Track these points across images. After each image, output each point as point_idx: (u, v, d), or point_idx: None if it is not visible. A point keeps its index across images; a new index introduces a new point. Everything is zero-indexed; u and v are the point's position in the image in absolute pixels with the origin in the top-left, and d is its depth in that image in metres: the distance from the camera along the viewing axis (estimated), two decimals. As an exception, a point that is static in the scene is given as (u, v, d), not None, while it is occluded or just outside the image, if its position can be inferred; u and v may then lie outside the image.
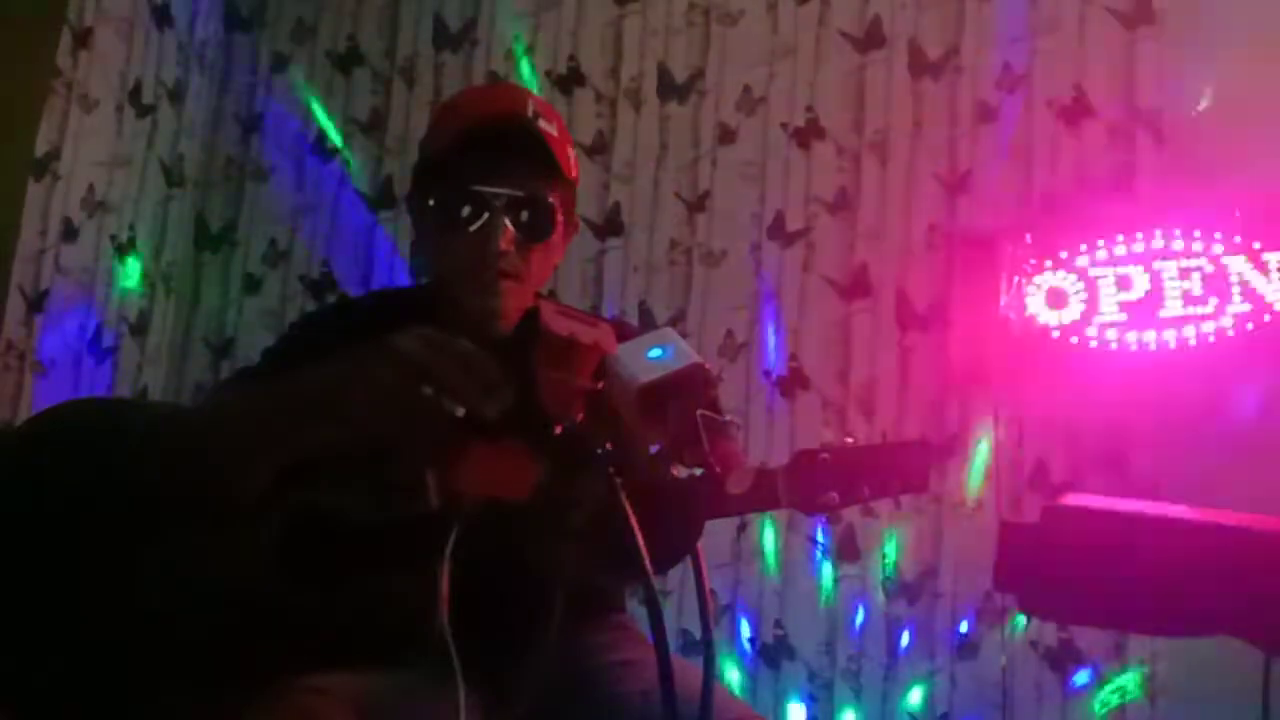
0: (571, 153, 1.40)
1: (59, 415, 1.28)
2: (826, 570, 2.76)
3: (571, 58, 3.20)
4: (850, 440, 1.39)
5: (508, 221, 1.30)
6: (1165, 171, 2.64)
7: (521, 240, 1.32)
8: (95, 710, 1.15)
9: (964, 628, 2.63)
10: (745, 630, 2.79)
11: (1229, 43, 2.66)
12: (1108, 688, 2.50)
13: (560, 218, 1.36)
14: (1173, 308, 2.56)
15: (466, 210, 1.31)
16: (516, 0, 3.29)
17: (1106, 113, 2.74)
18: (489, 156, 1.31)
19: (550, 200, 1.34)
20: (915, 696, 2.64)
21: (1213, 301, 2.53)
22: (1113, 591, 0.80)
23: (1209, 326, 2.53)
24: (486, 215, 1.30)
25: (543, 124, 1.34)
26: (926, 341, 2.79)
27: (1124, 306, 2.60)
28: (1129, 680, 2.49)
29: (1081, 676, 2.54)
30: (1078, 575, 0.81)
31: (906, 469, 1.22)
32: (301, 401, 1.09)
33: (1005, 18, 2.85)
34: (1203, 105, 2.65)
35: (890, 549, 2.71)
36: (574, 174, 1.39)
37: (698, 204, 3.03)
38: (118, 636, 1.14)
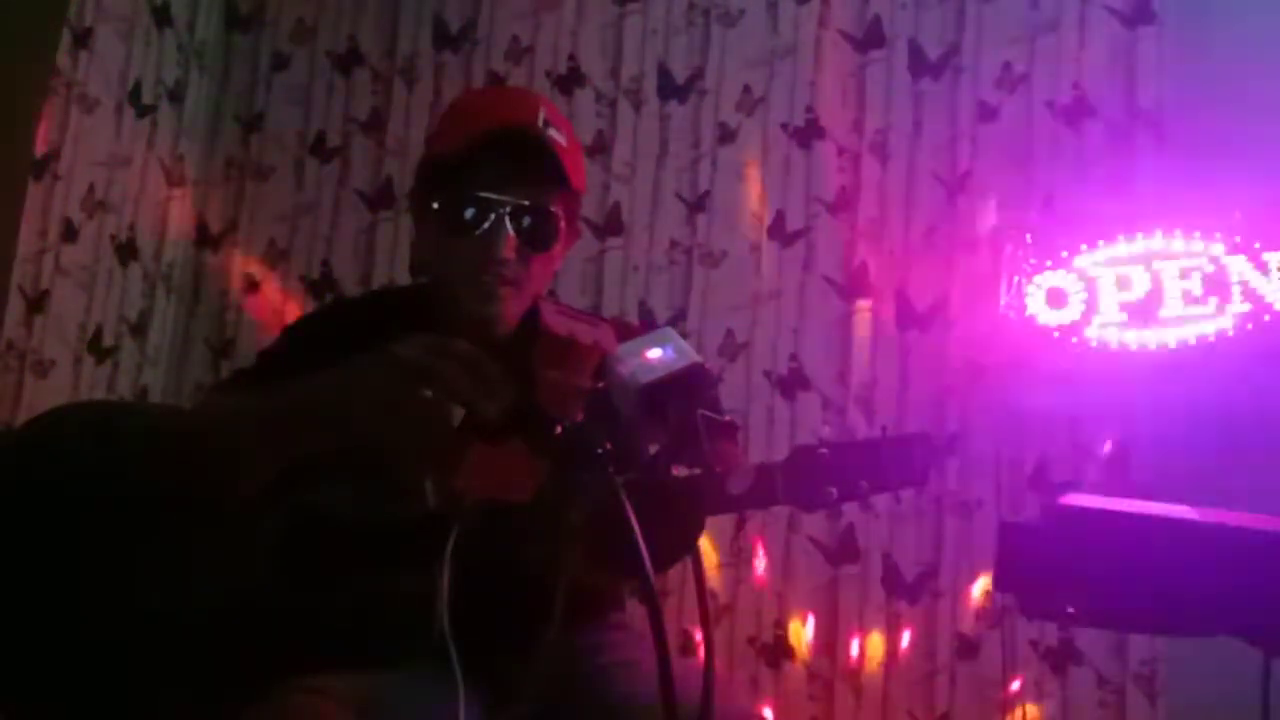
0: (580, 161, 1.40)
1: (59, 417, 1.29)
2: (826, 570, 2.75)
3: (571, 58, 3.20)
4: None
5: (511, 229, 1.31)
6: (1165, 171, 2.64)
7: (524, 248, 1.33)
8: (95, 710, 1.15)
9: (964, 628, 2.63)
10: (745, 630, 2.78)
11: (1229, 43, 2.66)
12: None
13: (563, 228, 1.36)
14: (1173, 308, 2.55)
15: (471, 214, 1.31)
16: (516, 0, 3.29)
17: (1106, 113, 2.74)
18: (497, 163, 1.31)
19: (554, 210, 1.34)
20: (915, 696, 2.64)
21: (1213, 301, 2.52)
22: (1113, 591, 0.80)
23: (1209, 326, 2.52)
24: (490, 221, 1.31)
25: (553, 133, 1.34)
26: (926, 341, 2.79)
27: (1124, 306, 2.59)
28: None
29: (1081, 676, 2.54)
30: (1078, 575, 0.81)
31: (905, 464, 1.22)
32: (303, 412, 1.10)
33: (1005, 18, 2.85)
34: (1203, 105, 2.65)
35: None
36: (581, 184, 1.39)
37: (698, 204, 3.03)
38: (118, 637, 1.14)
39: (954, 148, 2.84)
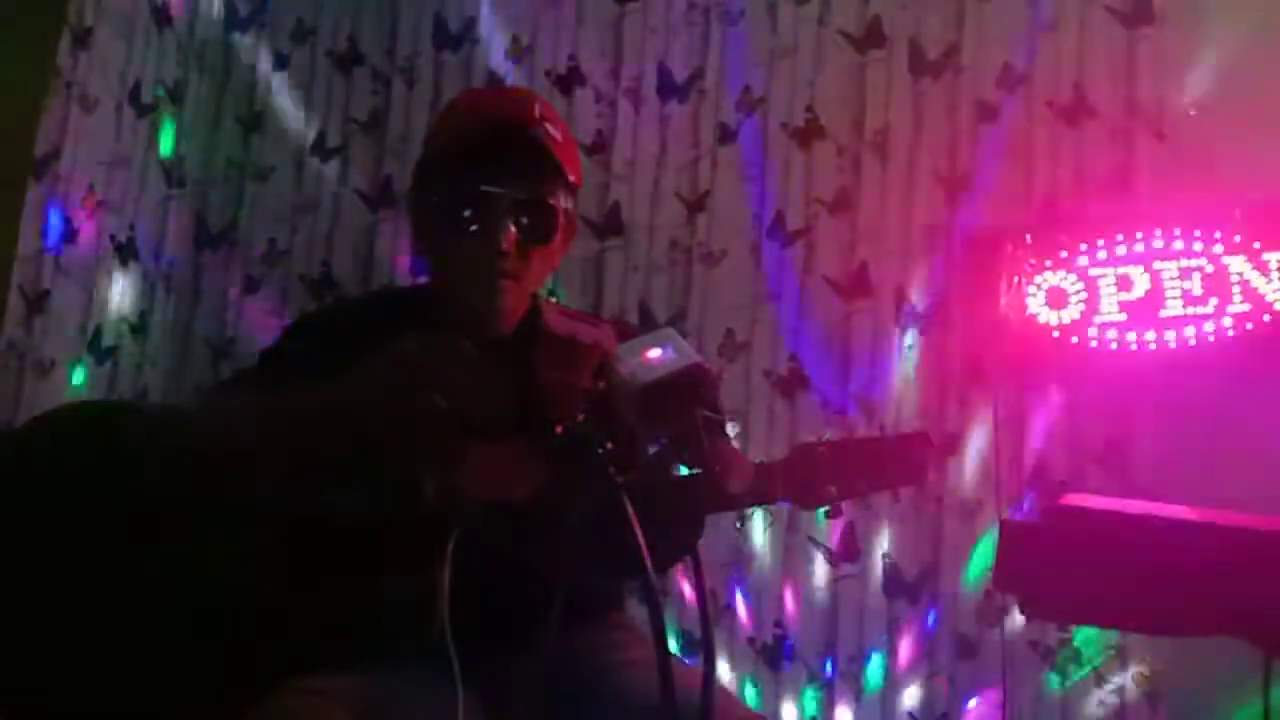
0: (576, 156, 1.40)
1: (59, 418, 1.29)
2: (826, 570, 2.75)
3: (571, 58, 3.20)
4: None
5: (510, 223, 1.31)
6: (1165, 171, 2.64)
7: (523, 242, 1.33)
8: (96, 710, 1.15)
9: (964, 628, 2.63)
10: (745, 630, 2.79)
11: (1229, 42, 2.65)
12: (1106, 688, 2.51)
13: (561, 221, 1.37)
14: (1173, 308, 2.55)
15: (469, 210, 1.32)
16: (516, 0, 3.29)
17: (1106, 113, 2.74)
18: (494, 158, 1.32)
19: (552, 203, 1.35)
20: (915, 696, 2.64)
21: (1213, 301, 2.52)
22: (1113, 591, 0.80)
23: (1209, 326, 2.52)
24: (489, 216, 1.31)
25: (548, 128, 1.35)
26: (926, 341, 2.79)
27: (1124, 306, 2.59)
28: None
29: (1081, 676, 2.54)
30: (1078, 575, 0.81)
31: (904, 462, 1.22)
32: (309, 418, 1.10)
33: (1005, 18, 2.85)
34: (1203, 104, 2.65)
35: None
36: (577, 178, 1.39)
37: (698, 204, 3.03)
38: (118, 637, 1.14)
39: (954, 148, 2.84)
